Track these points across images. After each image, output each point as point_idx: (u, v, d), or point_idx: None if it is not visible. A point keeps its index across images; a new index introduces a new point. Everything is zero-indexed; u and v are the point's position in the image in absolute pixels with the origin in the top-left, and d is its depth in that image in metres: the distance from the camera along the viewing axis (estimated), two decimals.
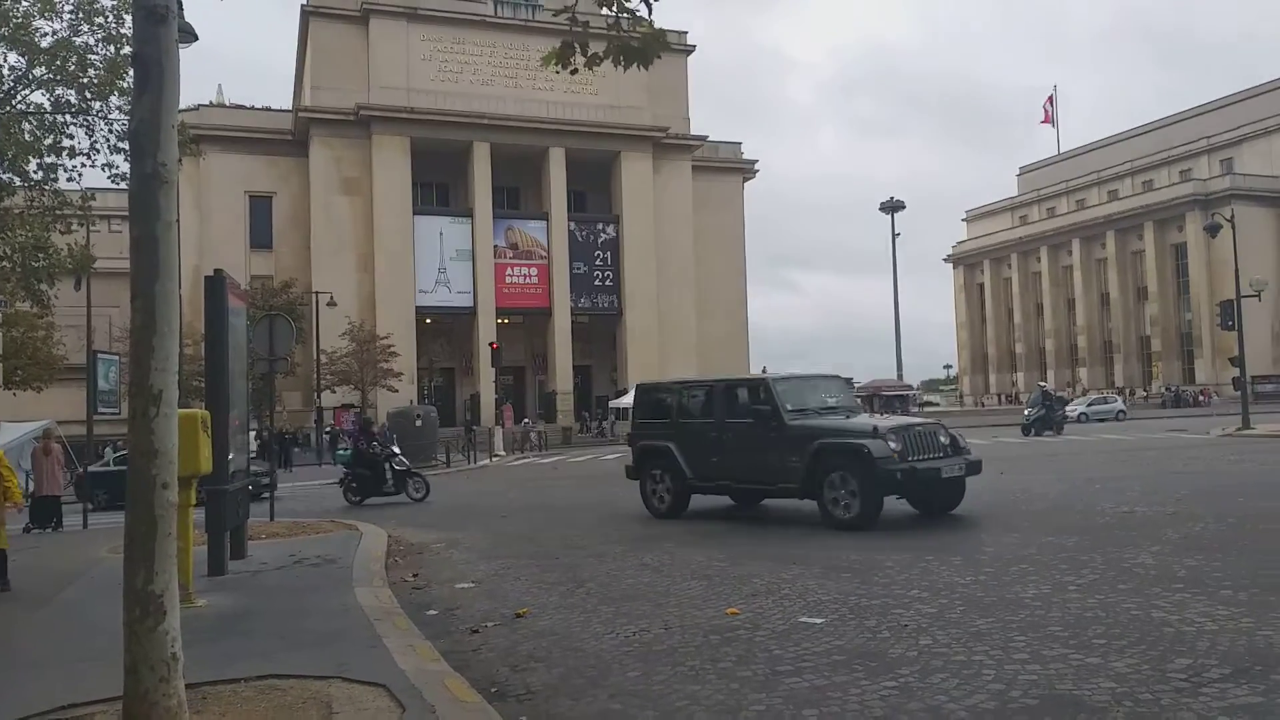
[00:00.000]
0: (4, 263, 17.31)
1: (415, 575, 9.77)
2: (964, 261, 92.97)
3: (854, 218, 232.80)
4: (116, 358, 18.25)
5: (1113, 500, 12.48)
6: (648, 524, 12.81)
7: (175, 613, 4.24)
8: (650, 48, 5.44)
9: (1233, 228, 32.66)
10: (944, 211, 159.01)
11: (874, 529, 10.76)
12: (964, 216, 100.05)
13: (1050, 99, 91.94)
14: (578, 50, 5.50)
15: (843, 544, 9.94)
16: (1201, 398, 61.42)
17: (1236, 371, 35.18)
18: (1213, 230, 33.77)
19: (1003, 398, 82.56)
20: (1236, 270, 32.56)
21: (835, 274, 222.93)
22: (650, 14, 5.43)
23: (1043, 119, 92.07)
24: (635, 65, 5.52)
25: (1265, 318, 63.80)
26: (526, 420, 50.49)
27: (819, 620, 6.59)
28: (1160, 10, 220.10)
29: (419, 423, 33.28)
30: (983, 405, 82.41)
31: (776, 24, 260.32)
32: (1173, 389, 64.46)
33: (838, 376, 14.37)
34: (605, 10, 5.48)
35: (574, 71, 5.67)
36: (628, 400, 52.46)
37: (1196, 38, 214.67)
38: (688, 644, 6.17)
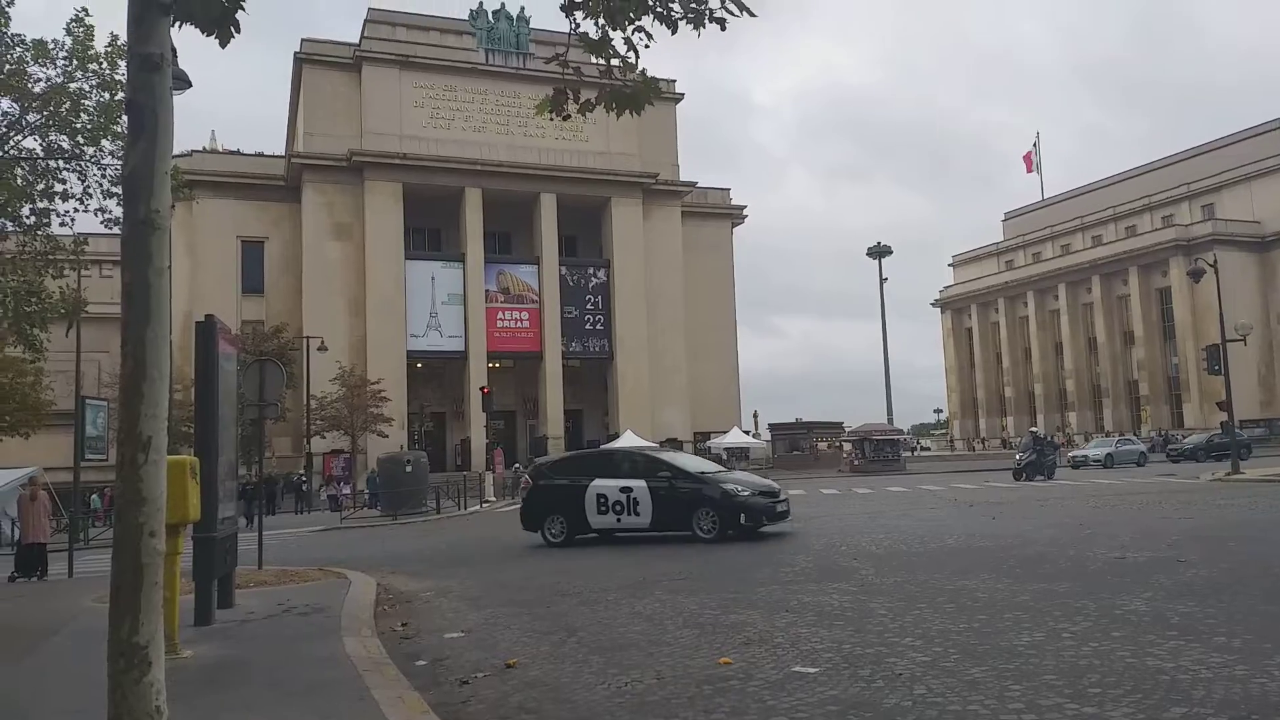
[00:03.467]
0: None
1: (404, 624, 9.65)
2: (951, 306, 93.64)
3: (832, 262, 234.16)
4: (105, 403, 18.17)
5: (1104, 546, 12.45)
6: (639, 571, 12.72)
7: (160, 664, 4.17)
8: (642, 95, 5.52)
9: (1216, 273, 33.02)
10: (921, 254, 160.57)
11: None
12: (950, 261, 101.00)
13: (1032, 149, 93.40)
14: (570, 97, 5.58)
15: (834, 591, 9.89)
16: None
17: (1224, 415, 35.33)
18: (1196, 275, 34.14)
19: (999, 442, 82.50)
20: (1221, 315, 32.86)
21: (817, 318, 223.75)
22: (638, 60, 5.51)
23: (1026, 169, 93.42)
24: (628, 112, 5.59)
25: (1251, 361, 64.26)
26: (517, 465, 50.23)
27: (813, 669, 6.52)
28: (1129, 56, 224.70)
29: (409, 468, 33.03)
30: (974, 450, 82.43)
31: (742, 71, 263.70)
32: (1162, 433, 64.65)
33: None
34: (596, 59, 5.57)
35: (567, 117, 5.74)
36: (620, 444, 52.48)
37: (1165, 84, 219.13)
38: (680, 695, 6.10)
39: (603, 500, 16.62)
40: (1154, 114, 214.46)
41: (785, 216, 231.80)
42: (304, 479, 43.92)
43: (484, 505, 35.98)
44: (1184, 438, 55.23)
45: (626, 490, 16.48)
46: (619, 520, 16.62)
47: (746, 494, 16.18)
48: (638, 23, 5.27)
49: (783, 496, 16.81)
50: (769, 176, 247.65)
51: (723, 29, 5.34)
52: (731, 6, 5.22)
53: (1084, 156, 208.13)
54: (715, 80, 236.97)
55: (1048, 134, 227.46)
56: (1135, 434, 71.05)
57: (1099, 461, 42.50)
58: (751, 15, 5.29)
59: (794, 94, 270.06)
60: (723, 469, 19.24)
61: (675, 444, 56.36)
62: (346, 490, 42.15)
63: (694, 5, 5.22)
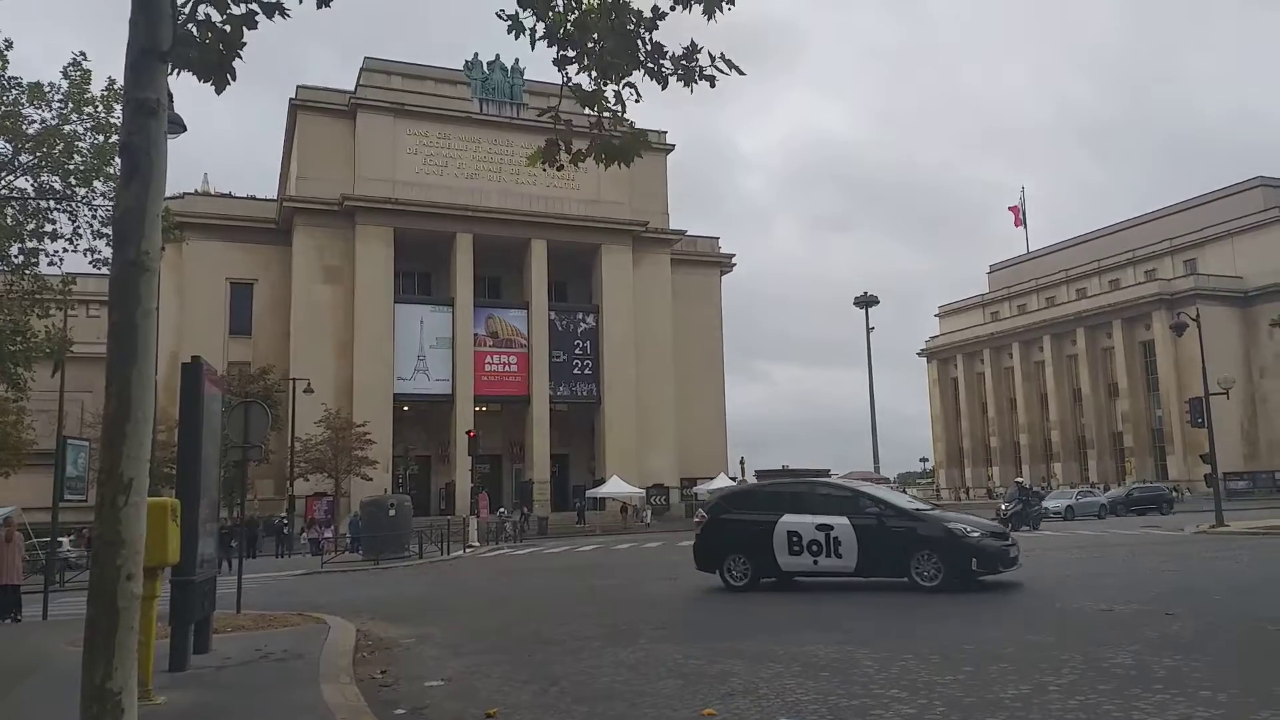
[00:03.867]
0: None
1: (383, 672, 9.51)
2: (937, 356, 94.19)
3: (817, 310, 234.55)
4: (86, 444, 18.01)
5: (1090, 597, 12.41)
6: (623, 619, 12.60)
7: (133, 711, 4.10)
8: (631, 147, 5.62)
9: (1198, 327, 33.37)
10: (905, 304, 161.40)
11: None
12: (936, 312, 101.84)
13: (1019, 204, 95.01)
14: (562, 148, 5.67)
15: (821, 641, 9.81)
16: (1174, 494, 61.75)
17: (1208, 468, 35.48)
18: (1179, 329, 34.51)
19: (985, 492, 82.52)
20: (1204, 369, 33.14)
21: (803, 365, 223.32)
22: (625, 112, 5.62)
23: (1014, 222, 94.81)
24: (617, 163, 5.69)
25: (1234, 415, 64.66)
26: (502, 510, 49.89)
27: None
28: (1114, 110, 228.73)
29: (392, 512, 32.72)
30: (959, 499, 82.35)
31: (728, 121, 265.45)
32: (1092, 485, 64.79)
33: None
34: (587, 110, 5.67)
35: (560, 168, 5.84)
36: (606, 489, 52.31)
37: (1148, 137, 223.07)
38: None
39: (795, 539, 14.62)
40: (1137, 166, 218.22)
41: (770, 264, 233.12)
42: (285, 522, 43.42)
43: (467, 550, 35.62)
44: (1104, 491, 55.07)
45: (825, 528, 14.45)
46: (816, 562, 14.60)
47: (976, 535, 14.13)
48: (629, 78, 5.39)
49: (1011, 540, 14.97)
50: (754, 225, 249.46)
51: (712, 85, 5.46)
52: (722, 65, 5.35)
53: (1068, 208, 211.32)
54: (701, 130, 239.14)
55: (1032, 187, 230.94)
56: (1120, 485, 71.24)
57: (1059, 514, 41.77)
58: (741, 74, 5.41)
59: (780, 145, 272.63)
60: (936, 507, 16.86)
61: (662, 490, 56.17)
62: (328, 534, 41.67)
63: (684, 63, 5.34)
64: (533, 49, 5.30)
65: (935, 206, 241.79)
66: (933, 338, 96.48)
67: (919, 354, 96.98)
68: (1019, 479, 48.78)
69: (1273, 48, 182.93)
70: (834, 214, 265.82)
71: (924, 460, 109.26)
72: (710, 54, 5.30)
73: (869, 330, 57.32)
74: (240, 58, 4.65)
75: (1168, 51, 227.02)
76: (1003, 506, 35.44)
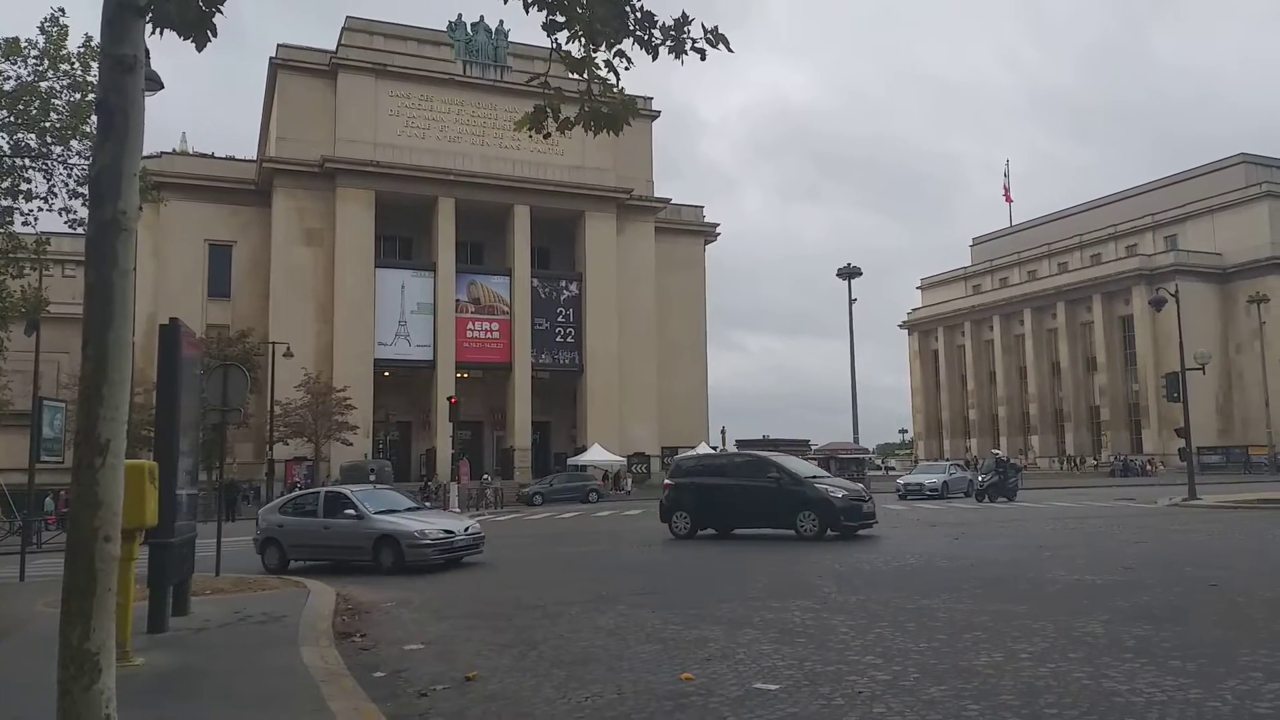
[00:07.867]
0: None
1: (363, 635, 9.55)
2: (919, 328, 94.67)
3: (786, 282, 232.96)
4: (63, 405, 17.81)
5: (1063, 568, 12.60)
6: (601, 585, 12.68)
7: (111, 672, 4.10)
8: (621, 114, 5.55)
9: (1177, 302, 33.63)
10: (873, 275, 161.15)
11: None
12: (918, 284, 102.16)
13: (1006, 181, 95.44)
14: (550, 115, 5.60)
15: (797, 609, 9.92)
16: (1149, 467, 62.69)
17: (1182, 442, 35.93)
18: (1157, 304, 34.73)
19: (963, 463, 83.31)
20: (1181, 344, 33.45)
21: (777, 336, 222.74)
22: (619, 81, 5.55)
23: (1005, 198, 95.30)
24: (606, 131, 5.62)
25: (1209, 390, 65.43)
26: (486, 475, 49.96)
27: (773, 686, 6.54)
28: (1082, 80, 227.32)
29: (373, 477, 32.80)
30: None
31: (686, 85, 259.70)
32: (1121, 458, 65.64)
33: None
34: (575, 76, 5.60)
35: (547, 135, 5.77)
36: (587, 457, 52.41)
37: (1118, 108, 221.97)
38: (641, 710, 6.09)
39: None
40: (1107, 137, 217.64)
41: (739, 233, 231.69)
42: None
43: None
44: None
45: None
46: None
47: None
48: (618, 45, 5.32)
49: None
50: (720, 193, 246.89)
51: (703, 59, 5.40)
52: (711, 38, 5.29)
53: (1040, 179, 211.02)
54: (664, 100, 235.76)
55: (1001, 158, 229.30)
56: (1095, 458, 72.12)
57: (935, 491, 38.16)
58: (729, 50, 5.37)
59: (745, 114, 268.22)
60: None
61: (644, 459, 56.35)
62: None
63: (674, 34, 5.28)
64: (526, 13, 5.21)
65: (904, 178, 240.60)
66: (914, 310, 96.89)
67: (900, 325, 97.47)
68: (995, 450, 49.26)
69: (1246, 23, 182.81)
70: (803, 184, 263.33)
71: (903, 431, 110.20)
72: (703, 25, 5.25)
73: (851, 301, 57.24)
74: (221, 13, 4.55)
75: (1139, 26, 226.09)
76: (980, 478, 35.78)
